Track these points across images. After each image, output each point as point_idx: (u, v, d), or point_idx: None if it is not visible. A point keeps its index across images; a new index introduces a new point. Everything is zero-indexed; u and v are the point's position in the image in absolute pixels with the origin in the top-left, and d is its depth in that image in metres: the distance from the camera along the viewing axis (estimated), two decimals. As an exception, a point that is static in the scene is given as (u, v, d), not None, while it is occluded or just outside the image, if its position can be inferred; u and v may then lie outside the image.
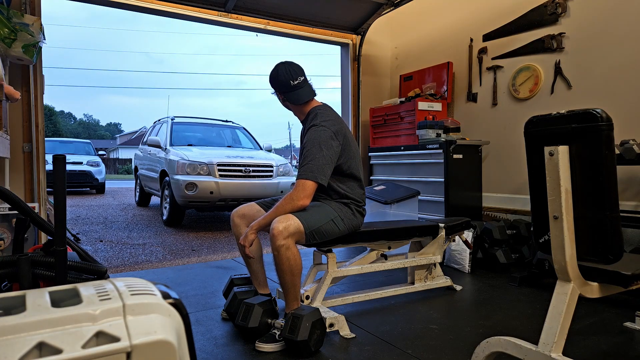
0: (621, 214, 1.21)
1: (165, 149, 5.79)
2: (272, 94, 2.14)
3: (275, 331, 1.79)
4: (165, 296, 0.57)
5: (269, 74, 2.08)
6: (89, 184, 10.31)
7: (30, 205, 0.94)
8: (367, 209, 2.24)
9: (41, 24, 2.65)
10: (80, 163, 10.04)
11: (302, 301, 2.06)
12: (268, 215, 1.91)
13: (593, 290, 1.32)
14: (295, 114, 2.16)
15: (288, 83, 2.03)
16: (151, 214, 6.76)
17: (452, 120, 3.79)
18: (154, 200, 7.75)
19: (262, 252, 2.16)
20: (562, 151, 1.21)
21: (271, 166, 5.55)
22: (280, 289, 2.31)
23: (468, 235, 2.98)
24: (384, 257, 2.37)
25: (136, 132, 33.48)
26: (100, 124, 64.95)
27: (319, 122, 1.98)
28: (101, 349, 0.46)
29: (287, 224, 1.81)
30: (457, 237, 2.79)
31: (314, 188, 1.90)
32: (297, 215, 1.87)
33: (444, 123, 3.68)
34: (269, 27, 4.13)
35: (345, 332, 1.91)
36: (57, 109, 45.93)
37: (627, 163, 2.36)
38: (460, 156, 3.50)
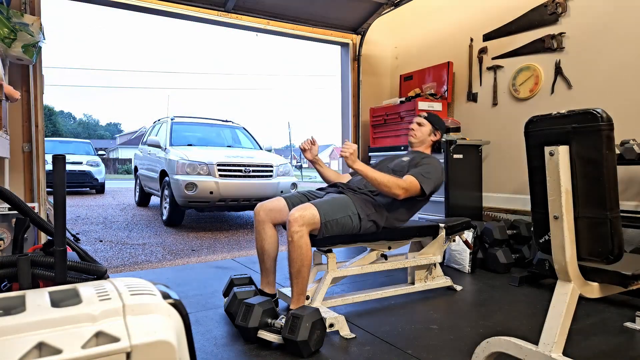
0: (621, 214, 1.21)
1: (165, 149, 5.79)
2: (433, 127, 2.53)
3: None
4: (165, 296, 0.57)
5: (440, 120, 2.60)
6: (88, 184, 10.32)
7: (30, 205, 0.94)
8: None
9: (41, 24, 2.64)
10: (80, 163, 10.05)
11: (302, 301, 2.06)
12: (371, 171, 2.04)
13: (593, 290, 1.31)
14: (421, 140, 2.49)
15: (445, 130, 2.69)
16: (151, 214, 6.76)
17: (452, 120, 3.78)
18: (154, 200, 7.75)
19: (277, 250, 2.18)
20: (562, 151, 1.21)
21: (271, 166, 5.54)
22: (280, 290, 2.31)
23: (468, 235, 2.97)
24: (384, 257, 2.36)
25: (136, 132, 33.47)
26: (100, 124, 64.80)
27: (436, 159, 2.39)
28: (101, 349, 0.46)
29: (304, 212, 1.89)
30: (457, 237, 2.79)
31: (416, 192, 2.13)
32: (316, 204, 1.94)
33: (444, 123, 3.67)
34: (269, 27, 4.13)
35: (345, 332, 1.91)
36: (57, 109, 45.84)
37: (627, 163, 2.36)
38: (461, 156, 3.50)
